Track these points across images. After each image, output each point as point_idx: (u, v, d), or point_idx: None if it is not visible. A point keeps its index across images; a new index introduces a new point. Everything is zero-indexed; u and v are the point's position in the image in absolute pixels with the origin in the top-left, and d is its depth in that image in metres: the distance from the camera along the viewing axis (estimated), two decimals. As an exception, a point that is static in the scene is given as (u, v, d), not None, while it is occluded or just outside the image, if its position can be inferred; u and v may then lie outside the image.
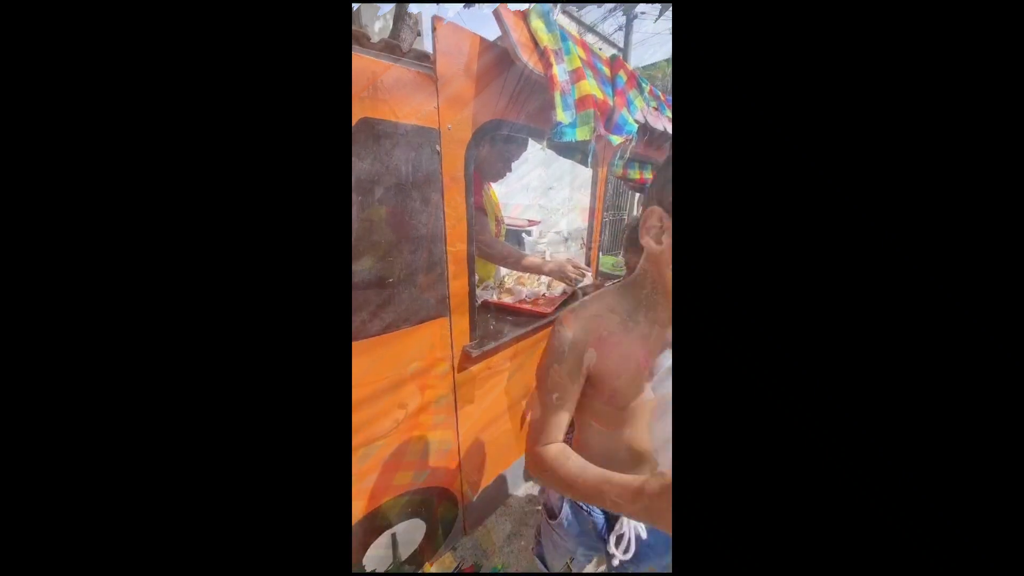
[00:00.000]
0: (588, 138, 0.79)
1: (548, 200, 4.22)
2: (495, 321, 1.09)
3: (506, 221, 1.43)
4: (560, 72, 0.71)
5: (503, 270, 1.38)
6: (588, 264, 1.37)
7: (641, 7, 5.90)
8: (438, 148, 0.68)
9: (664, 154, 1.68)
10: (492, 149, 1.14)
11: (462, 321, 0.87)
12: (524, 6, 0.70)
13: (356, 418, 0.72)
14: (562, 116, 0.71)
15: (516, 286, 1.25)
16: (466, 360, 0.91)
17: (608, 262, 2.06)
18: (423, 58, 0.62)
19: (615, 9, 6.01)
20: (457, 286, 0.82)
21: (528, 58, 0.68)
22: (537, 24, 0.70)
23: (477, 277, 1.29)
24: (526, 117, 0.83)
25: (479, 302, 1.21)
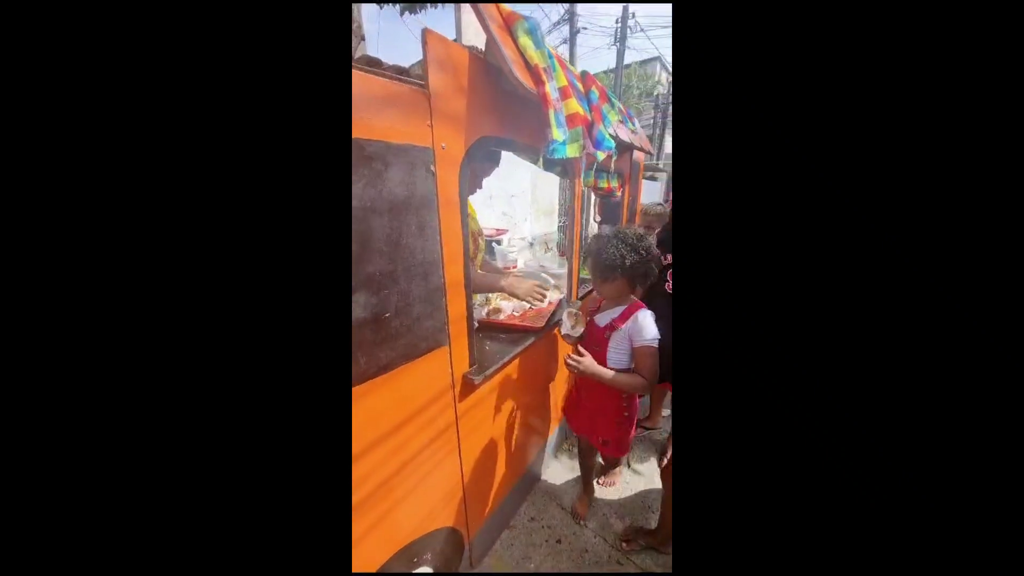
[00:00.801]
0: (579, 155, 0.80)
1: (511, 208, 4.24)
2: (490, 341, 1.05)
3: (484, 233, 1.40)
4: (551, 90, 0.70)
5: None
6: (569, 275, 1.38)
7: (583, 22, 6.23)
8: (433, 168, 0.63)
9: (625, 161, 1.76)
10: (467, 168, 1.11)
11: (461, 347, 0.82)
12: (521, 6, 0.69)
13: (356, 471, 0.64)
14: (557, 134, 0.70)
15: (501, 302, 1.22)
16: (467, 388, 0.86)
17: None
18: (402, 72, 0.57)
19: (560, 23, 6.29)
20: (455, 312, 0.77)
21: (520, 74, 0.66)
22: (525, 41, 0.69)
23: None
24: (517, 133, 0.81)
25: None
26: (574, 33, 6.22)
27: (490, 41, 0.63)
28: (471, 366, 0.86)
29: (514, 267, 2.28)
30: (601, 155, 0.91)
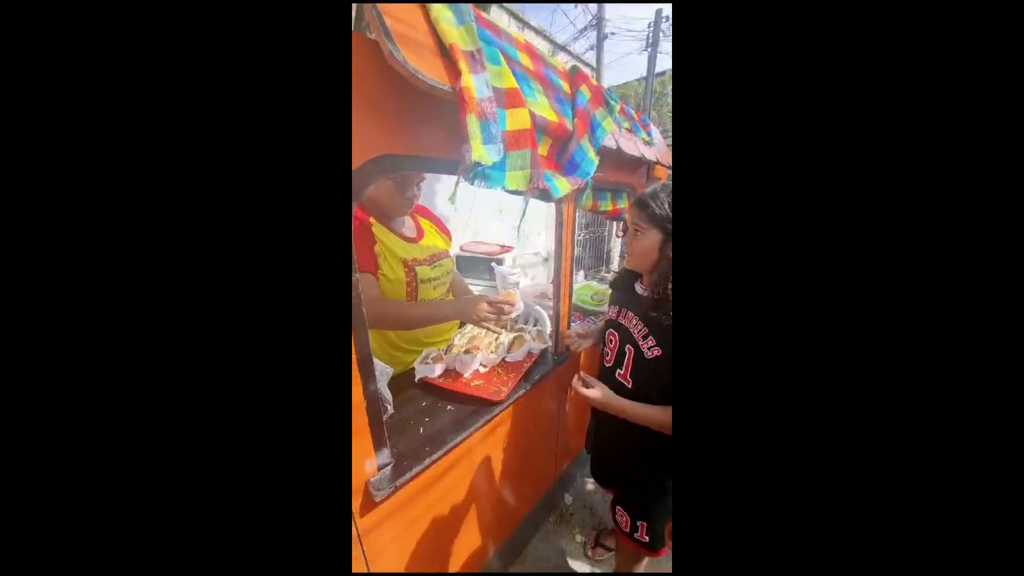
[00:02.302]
0: (522, 188, 0.53)
1: (523, 220, 4.00)
2: (429, 418, 0.80)
3: (477, 249, 1.14)
4: (477, 85, 0.45)
5: (459, 333, 1.08)
6: (558, 312, 1.10)
7: (612, 27, 5.97)
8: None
9: (637, 179, 1.46)
10: (381, 186, 0.84)
11: (361, 446, 0.58)
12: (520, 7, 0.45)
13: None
14: (480, 153, 0.45)
15: (464, 355, 0.96)
16: (368, 503, 0.61)
17: (585, 293, 1.80)
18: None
19: (587, 28, 6.06)
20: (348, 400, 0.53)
21: (417, 60, 0.42)
22: (439, 12, 0.45)
23: (416, 345, 0.99)
24: (436, 146, 0.57)
25: (417, 379, 0.92)
26: (601, 39, 5.95)
27: (367, 9, 0.40)
28: (379, 470, 0.62)
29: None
30: (563, 188, 0.63)
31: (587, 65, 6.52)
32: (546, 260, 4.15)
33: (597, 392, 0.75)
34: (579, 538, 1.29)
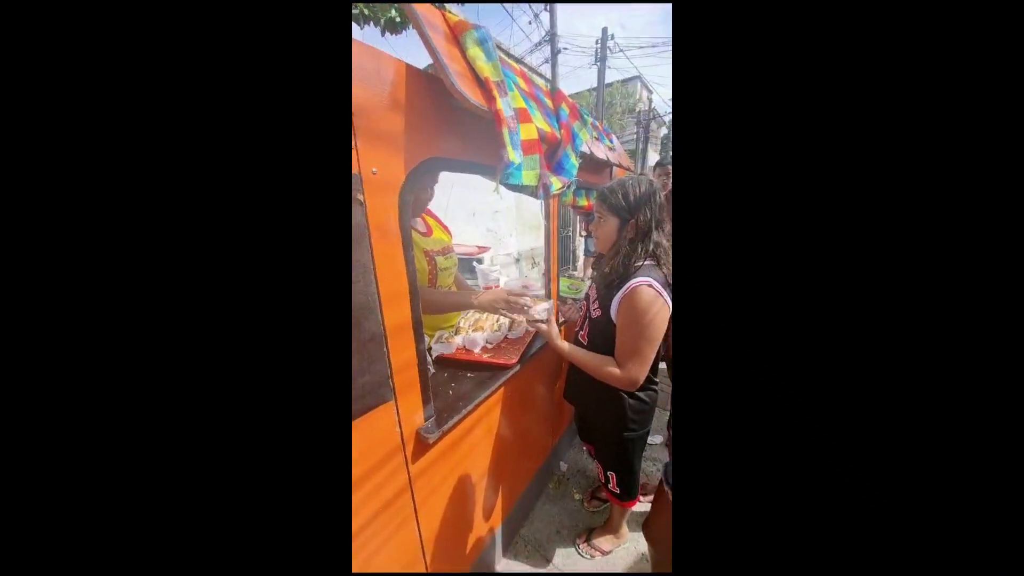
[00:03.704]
0: (535, 184, 0.71)
1: (495, 223, 4.18)
2: (455, 383, 0.93)
3: (457, 249, 1.28)
4: (505, 107, 0.62)
5: (464, 317, 1.22)
6: (549, 294, 1.28)
7: (563, 42, 6.42)
8: (360, 197, 0.53)
9: (603, 179, 1.71)
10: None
11: (412, 399, 0.70)
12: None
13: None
14: (513, 156, 0.61)
15: (472, 333, 1.10)
16: (422, 447, 0.73)
17: (562, 284, 2.02)
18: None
19: (540, 43, 6.45)
20: (401, 360, 0.66)
21: (467, 90, 0.57)
22: (475, 52, 0.61)
23: (429, 329, 1.12)
24: (472, 154, 0.72)
25: (432, 358, 1.04)
26: (555, 53, 6.38)
27: (430, 51, 0.55)
28: (426, 420, 0.74)
29: (496, 287, 2.18)
30: (556, 185, 0.81)
31: (542, 76, 6.91)
32: (518, 260, 4.34)
33: (546, 326, 0.93)
34: (577, 496, 1.46)
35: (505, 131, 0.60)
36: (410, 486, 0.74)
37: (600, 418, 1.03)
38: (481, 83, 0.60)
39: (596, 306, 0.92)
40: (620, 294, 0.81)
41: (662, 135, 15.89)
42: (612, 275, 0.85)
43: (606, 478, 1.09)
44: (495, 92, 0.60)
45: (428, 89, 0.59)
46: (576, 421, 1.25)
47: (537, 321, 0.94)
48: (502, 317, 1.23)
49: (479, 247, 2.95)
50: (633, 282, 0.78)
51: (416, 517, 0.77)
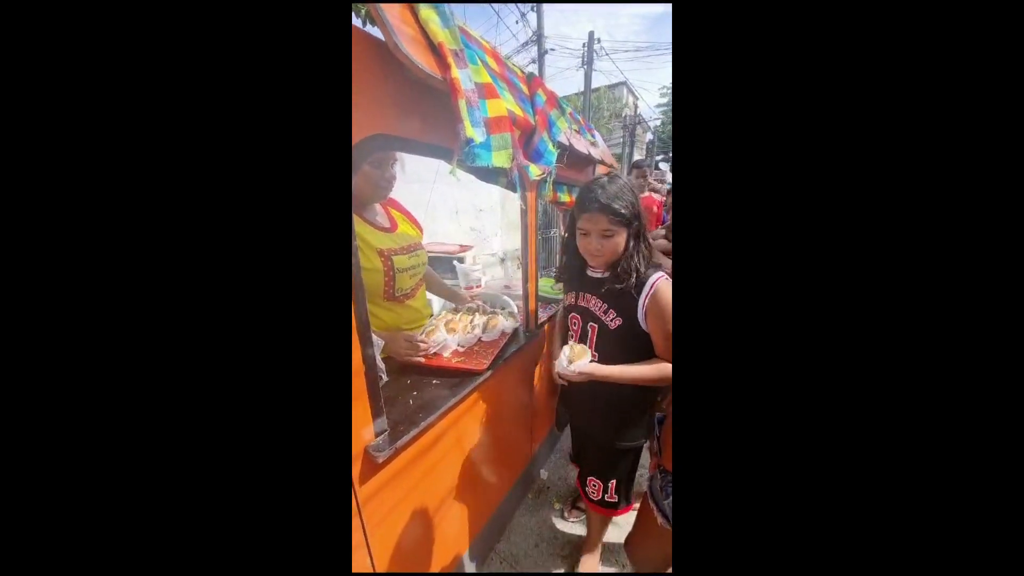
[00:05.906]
0: (507, 165, 0.63)
1: (479, 222, 4.09)
2: (417, 391, 0.84)
3: (437, 248, 1.19)
4: (463, 78, 0.54)
5: (430, 321, 1.12)
6: (525, 299, 1.21)
7: (551, 43, 6.41)
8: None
9: (587, 176, 1.65)
10: (359, 173, 0.86)
11: (359, 412, 0.61)
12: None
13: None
14: (471, 132, 0.53)
15: (441, 334, 1.01)
16: (371, 467, 0.64)
17: (545, 285, 1.95)
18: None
19: (528, 43, 6.42)
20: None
21: (416, 54, 0.49)
22: (428, 14, 0.53)
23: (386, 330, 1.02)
24: (430, 135, 0.64)
25: (384, 366, 0.95)
26: (542, 54, 6.37)
27: (374, 10, 0.46)
28: (377, 435, 0.65)
29: (478, 287, 2.09)
30: (535, 171, 0.75)
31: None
32: (503, 260, 4.27)
33: (588, 366, 0.81)
34: (557, 506, 1.39)
35: (462, 103, 0.52)
36: (358, 512, 0.65)
37: (609, 427, 0.97)
38: (435, 48, 0.52)
39: (612, 316, 0.85)
40: (646, 297, 0.80)
41: (647, 140, 16.17)
42: (626, 283, 0.80)
43: (604, 488, 1.02)
44: (450, 60, 0.52)
45: (379, 58, 0.51)
46: (573, 432, 1.17)
47: (564, 372, 0.82)
48: (476, 316, 1.15)
49: (461, 246, 2.85)
50: (651, 280, 0.80)
51: (367, 545, 0.68)
